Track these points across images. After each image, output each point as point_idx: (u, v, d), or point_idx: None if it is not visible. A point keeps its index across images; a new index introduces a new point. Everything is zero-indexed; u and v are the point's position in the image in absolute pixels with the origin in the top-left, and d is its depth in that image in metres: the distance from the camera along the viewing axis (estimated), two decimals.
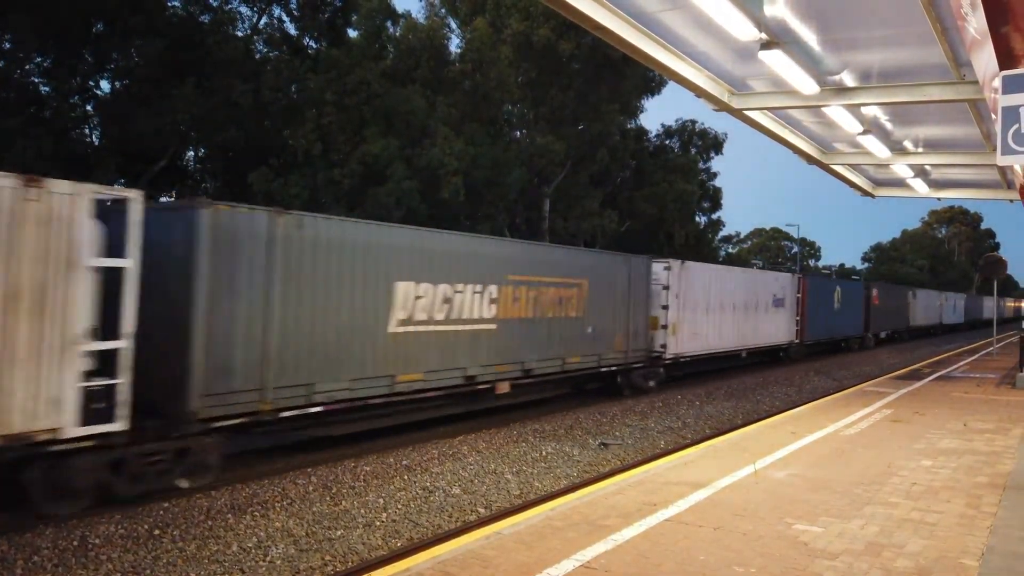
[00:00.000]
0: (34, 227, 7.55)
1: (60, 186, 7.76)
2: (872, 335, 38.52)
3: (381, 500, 9.46)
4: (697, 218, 41.96)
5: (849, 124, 13.22)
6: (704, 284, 20.83)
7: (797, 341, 28.48)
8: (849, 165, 18.05)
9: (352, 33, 29.68)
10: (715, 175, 42.74)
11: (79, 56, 23.73)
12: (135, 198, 8.38)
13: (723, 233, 58.25)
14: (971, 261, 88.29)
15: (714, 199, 42.85)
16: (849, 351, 35.18)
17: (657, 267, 19.04)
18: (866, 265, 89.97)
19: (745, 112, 12.60)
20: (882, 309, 39.50)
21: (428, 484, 10.21)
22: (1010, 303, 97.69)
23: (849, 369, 27.63)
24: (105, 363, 8.08)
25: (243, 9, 27.75)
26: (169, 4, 25.55)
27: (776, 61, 9.67)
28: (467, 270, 13.11)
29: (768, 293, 25.71)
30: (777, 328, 26.58)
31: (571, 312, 15.86)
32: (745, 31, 8.70)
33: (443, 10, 33.64)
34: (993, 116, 6.58)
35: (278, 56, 28.50)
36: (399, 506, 9.32)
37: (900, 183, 19.93)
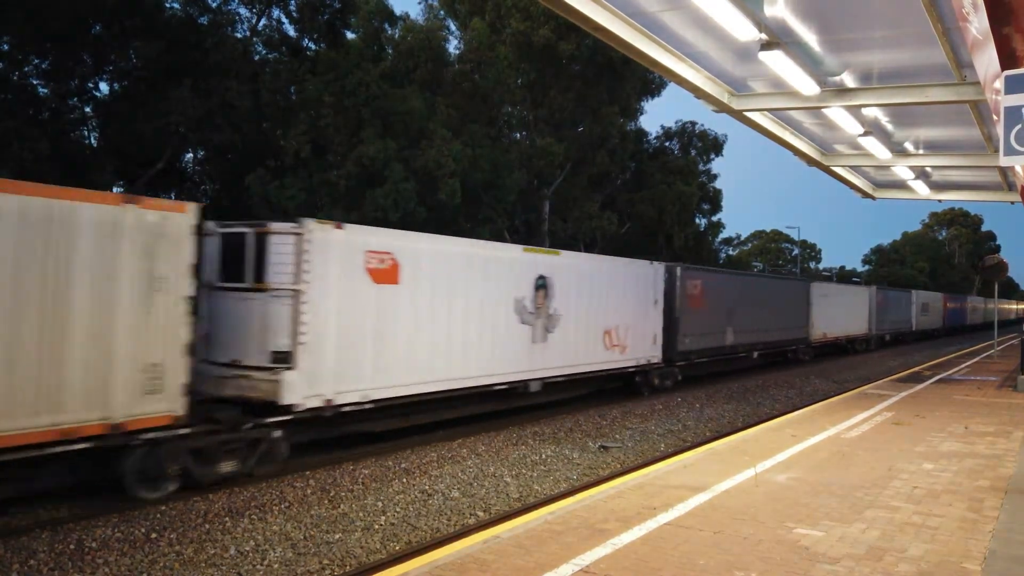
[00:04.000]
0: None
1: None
2: None
3: (379, 503, 9.41)
4: (697, 220, 41.82)
5: (850, 125, 13.18)
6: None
7: None
8: (850, 167, 18.02)
9: (350, 35, 29.62)
10: (715, 177, 42.42)
11: (78, 58, 23.61)
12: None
13: (723, 235, 58.14)
14: (972, 263, 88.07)
15: (714, 201, 42.71)
16: None
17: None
18: (867, 268, 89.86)
19: (745, 113, 12.56)
20: None
21: (427, 487, 10.16)
22: (947, 302, 54.76)
23: (849, 372, 27.60)
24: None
25: (242, 11, 27.64)
26: (168, 5, 25.47)
27: (776, 62, 9.64)
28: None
29: None
30: None
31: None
32: (745, 31, 8.67)
33: (441, 12, 33.64)
34: (995, 117, 6.54)
35: (276, 58, 28.43)
36: (397, 509, 9.27)
37: (901, 185, 19.90)
